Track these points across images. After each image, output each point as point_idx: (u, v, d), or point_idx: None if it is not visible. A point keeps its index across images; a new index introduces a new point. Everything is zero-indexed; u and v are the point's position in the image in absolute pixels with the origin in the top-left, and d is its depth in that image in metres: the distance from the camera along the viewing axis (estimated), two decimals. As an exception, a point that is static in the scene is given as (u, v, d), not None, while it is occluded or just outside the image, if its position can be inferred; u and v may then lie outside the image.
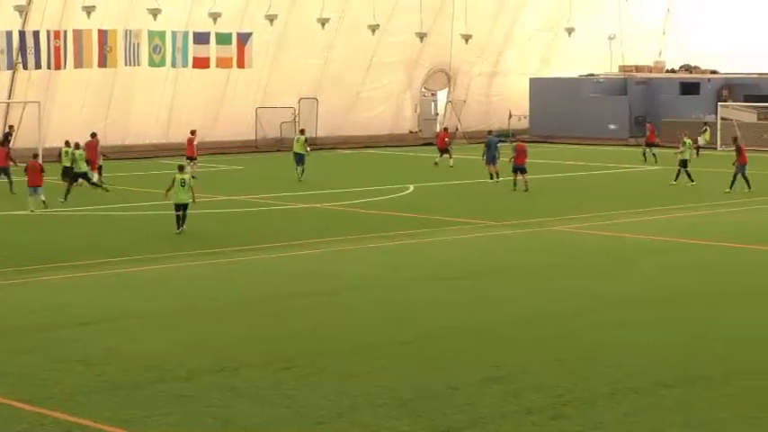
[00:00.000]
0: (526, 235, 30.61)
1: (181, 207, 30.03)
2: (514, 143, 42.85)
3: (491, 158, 43.18)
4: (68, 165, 38.55)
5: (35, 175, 34.36)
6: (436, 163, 49.88)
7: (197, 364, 16.67)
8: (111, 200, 36.96)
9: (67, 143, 40.52)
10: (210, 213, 33.88)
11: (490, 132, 48.45)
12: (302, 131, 46.35)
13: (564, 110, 66.03)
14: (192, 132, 46.62)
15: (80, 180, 38.17)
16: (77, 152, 38.48)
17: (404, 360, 17.09)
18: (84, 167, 38.22)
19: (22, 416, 14.20)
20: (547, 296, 22.08)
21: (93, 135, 42.52)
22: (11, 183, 38.60)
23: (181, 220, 29.91)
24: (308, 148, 45.31)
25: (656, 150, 51.99)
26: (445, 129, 56.09)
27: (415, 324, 19.61)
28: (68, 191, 36.14)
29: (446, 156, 49.92)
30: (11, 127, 47.17)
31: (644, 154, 52.71)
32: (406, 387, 15.51)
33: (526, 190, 39.65)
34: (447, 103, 68.22)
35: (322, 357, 17.16)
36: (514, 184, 40.11)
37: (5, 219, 33.28)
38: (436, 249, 28.31)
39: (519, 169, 40.27)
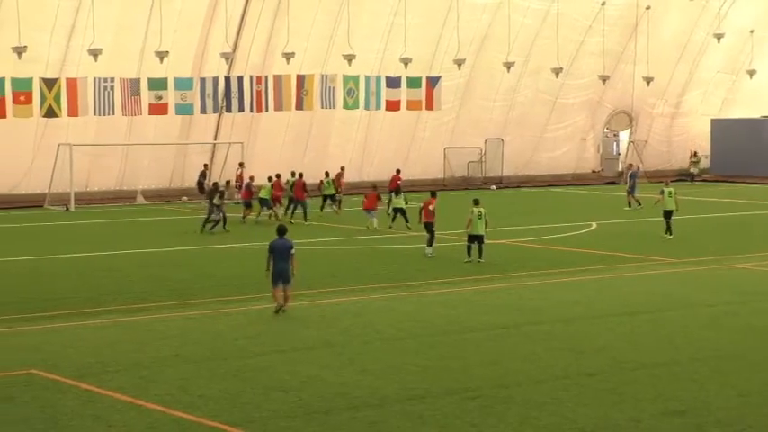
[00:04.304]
0: (706, 272, 30.64)
1: (474, 239, 31.95)
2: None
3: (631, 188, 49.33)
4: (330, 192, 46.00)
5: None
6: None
7: (386, 392, 17.18)
8: (293, 234, 38.26)
9: (326, 173, 47.27)
10: (399, 249, 35.13)
11: (630, 166, 52.95)
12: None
13: (746, 150, 66.35)
14: (398, 171, 49.85)
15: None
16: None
17: (586, 392, 17.25)
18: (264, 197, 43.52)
19: (227, 438, 15.03)
20: (728, 332, 22.04)
21: (299, 174, 45.49)
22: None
23: (478, 252, 31.69)
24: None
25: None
26: (397, 171, 51.13)
27: (597, 357, 19.75)
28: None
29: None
30: (205, 165, 51.42)
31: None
32: (588, 418, 15.72)
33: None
34: (629, 144, 68.97)
35: (507, 388, 17.48)
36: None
37: (203, 252, 34.59)
38: (618, 285, 28.26)
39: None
